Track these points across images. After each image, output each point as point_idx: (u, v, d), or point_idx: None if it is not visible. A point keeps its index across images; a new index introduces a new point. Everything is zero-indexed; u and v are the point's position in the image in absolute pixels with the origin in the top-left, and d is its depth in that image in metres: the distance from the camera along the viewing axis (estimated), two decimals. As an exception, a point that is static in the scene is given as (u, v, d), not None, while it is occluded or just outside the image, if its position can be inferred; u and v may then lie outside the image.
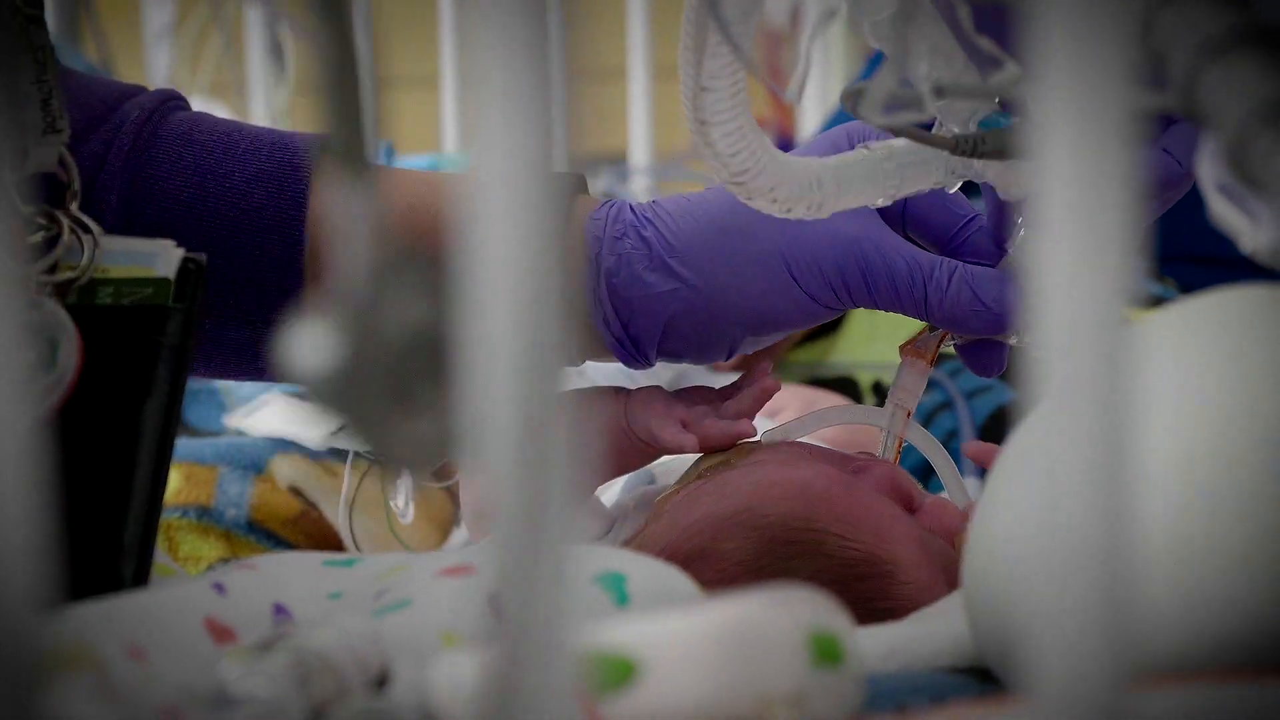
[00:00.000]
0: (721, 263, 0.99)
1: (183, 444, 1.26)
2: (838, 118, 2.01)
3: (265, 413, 1.36)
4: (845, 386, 1.64)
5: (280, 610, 0.75)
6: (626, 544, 1.01)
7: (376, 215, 0.50)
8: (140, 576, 0.85)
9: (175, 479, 1.28)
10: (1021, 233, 0.98)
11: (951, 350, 1.04)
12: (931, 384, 1.06)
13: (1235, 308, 0.70)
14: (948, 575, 0.93)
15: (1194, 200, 0.77)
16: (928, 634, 0.78)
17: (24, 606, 0.45)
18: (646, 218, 1.00)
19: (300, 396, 0.47)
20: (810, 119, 2.35)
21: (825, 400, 1.52)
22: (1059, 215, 0.44)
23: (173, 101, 1.01)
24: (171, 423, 0.85)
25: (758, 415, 1.04)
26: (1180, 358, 0.68)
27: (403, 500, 1.23)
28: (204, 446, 1.33)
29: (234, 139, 1.00)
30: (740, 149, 0.87)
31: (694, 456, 1.03)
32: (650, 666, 0.61)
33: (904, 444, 1.04)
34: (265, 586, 0.76)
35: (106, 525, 0.83)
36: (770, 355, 1.63)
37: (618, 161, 2.16)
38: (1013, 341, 1.01)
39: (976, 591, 0.73)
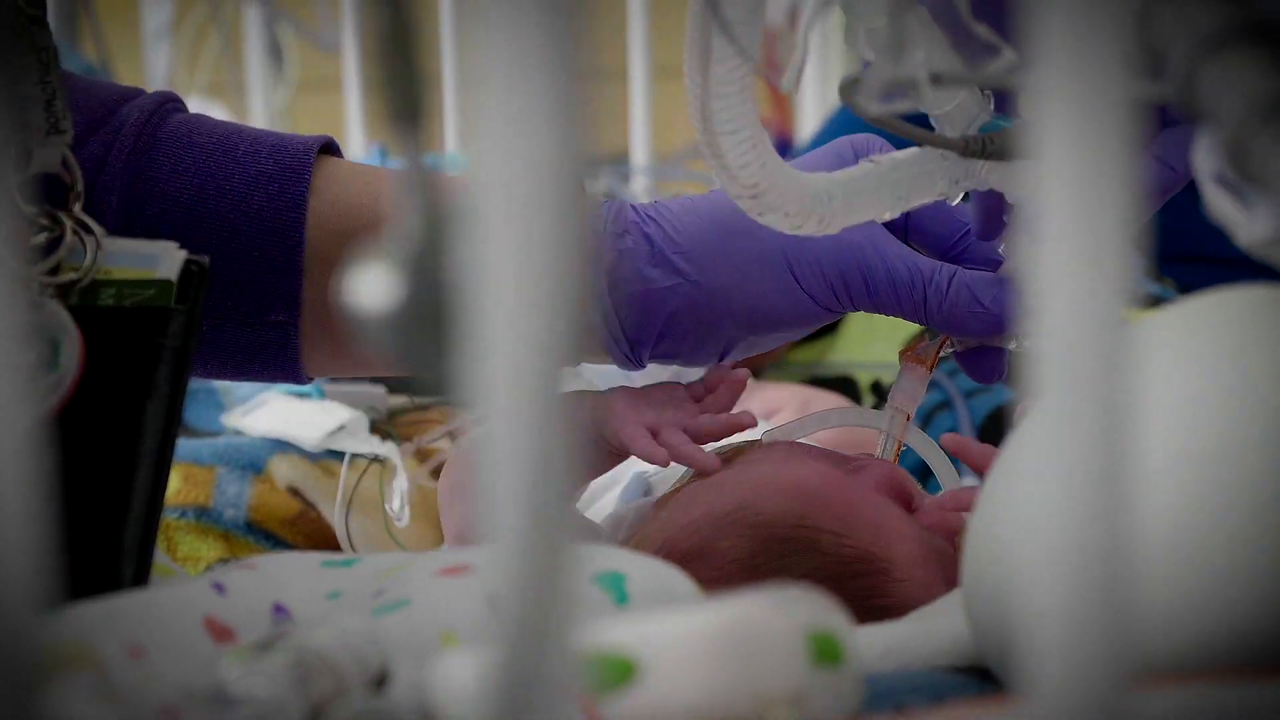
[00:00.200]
0: (724, 260, 0.99)
1: (181, 444, 1.26)
2: (836, 118, 2.01)
3: (263, 412, 1.36)
4: (844, 386, 1.64)
5: (279, 610, 0.75)
6: (624, 543, 1.01)
7: (429, 167, 0.53)
8: (140, 577, 0.85)
9: (174, 479, 1.28)
10: (1011, 236, 0.98)
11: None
12: (930, 384, 1.06)
13: (1235, 308, 0.70)
14: (947, 574, 0.93)
15: (1192, 200, 0.76)
16: (927, 633, 0.78)
17: (23, 606, 0.45)
18: (649, 215, 1.00)
19: (361, 332, 0.49)
20: (809, 119, 2.35)
21: (822, 400, 1.52)
22: (1058, 215, 0.44)
23: (171, 104, 1.01)
24: (173, 424, 0.85)
25: (756, 416, 1.05)
26: (1180, 358, 0.69)
27: (397, 503, 1.23)
28: (202, 447, 1.33)
29: (233, 141, 1.00)
30: (750, 161, 0.87)
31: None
32: (650, 666, 0.61)
33: (903, 447, 1.04)
34: (264, 586, 0.76)
35: (107, 526, 0.83)
36: (768, 359, 1.63)
37: (618, 161, 2.16)
38: (1011, 346, 1.01)
39: (975, 590, 0.73)
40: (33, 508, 0.45)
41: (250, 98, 2.26)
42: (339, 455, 1.33)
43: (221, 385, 1.42)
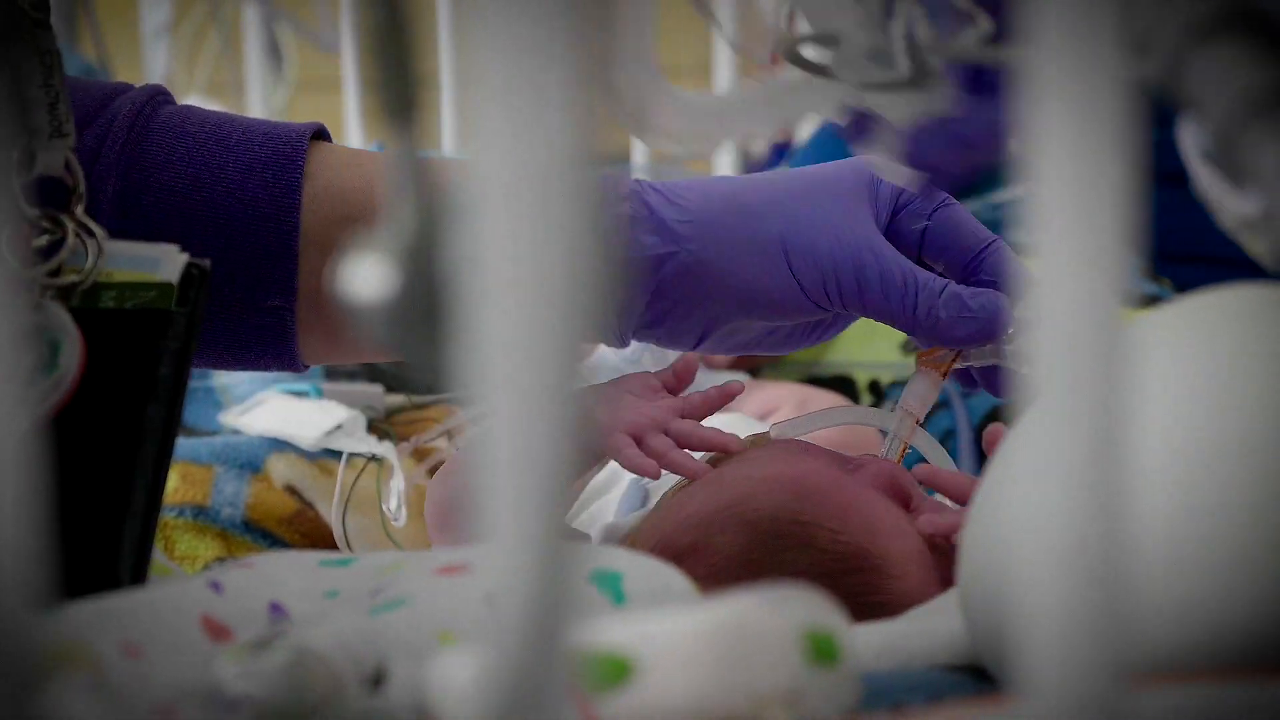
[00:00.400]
0: (723, 233, 1.00)
1: (179, 443, 1.25)
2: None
3: (261, 411, 1.36)
4: (842, 385, 1.64)
5: (277, 609, 0.75)
6: (623, 539, 1.01)
7: (423, 162, 0.54)
8: (138, 576, 0.85)
9: (171, 478, 1.28)
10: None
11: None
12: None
13: (1232, 307, 0.70)
14: (943, 573, 0.93)
15: (1191, 199, 0.77)
16: (923, 632, 0.78)
17: (20, 605, 0.45)
18: (652, 186, 1.01)
19: (356, 321, 0.50)
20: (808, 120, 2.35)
21: (820, 399, 1.52)
22: (1055, 214, 0.44)
23: (161, 96, 1.02)
24: (173, 426, 0.86)
25: (755, 416, 1.05)
26: (1177, 357, 0.69)
27: (394, 503, 1.23)
28: (200, 446, 1.33)
29: (226, 130, 1.01)
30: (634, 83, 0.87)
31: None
32: (646, 666, 0.61)
33: (908, 449, 1.05)
34: (262, 585, 0.76)
35: (106, 527, 0.83)
36: (767, 359, 1.62)
37: (618, 161, 2.16)
38: (1005, 358, 1.01)
39: (972, 589, 0.73)
40: (30, 508, 0.45)
41: (249, 97, 2.26)
42: (337, 454, 1.33)
43: (220, 384, 1.42)
